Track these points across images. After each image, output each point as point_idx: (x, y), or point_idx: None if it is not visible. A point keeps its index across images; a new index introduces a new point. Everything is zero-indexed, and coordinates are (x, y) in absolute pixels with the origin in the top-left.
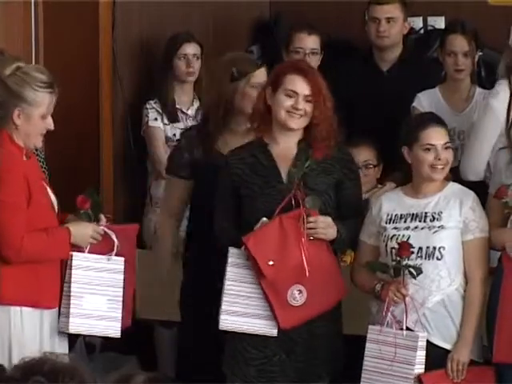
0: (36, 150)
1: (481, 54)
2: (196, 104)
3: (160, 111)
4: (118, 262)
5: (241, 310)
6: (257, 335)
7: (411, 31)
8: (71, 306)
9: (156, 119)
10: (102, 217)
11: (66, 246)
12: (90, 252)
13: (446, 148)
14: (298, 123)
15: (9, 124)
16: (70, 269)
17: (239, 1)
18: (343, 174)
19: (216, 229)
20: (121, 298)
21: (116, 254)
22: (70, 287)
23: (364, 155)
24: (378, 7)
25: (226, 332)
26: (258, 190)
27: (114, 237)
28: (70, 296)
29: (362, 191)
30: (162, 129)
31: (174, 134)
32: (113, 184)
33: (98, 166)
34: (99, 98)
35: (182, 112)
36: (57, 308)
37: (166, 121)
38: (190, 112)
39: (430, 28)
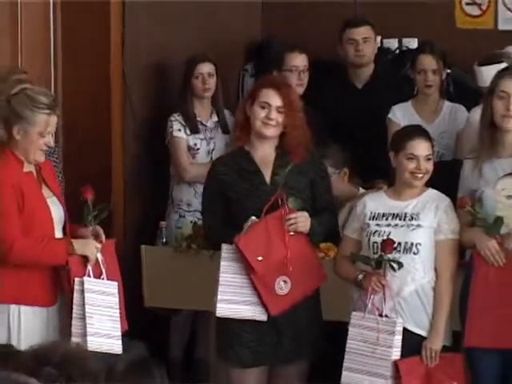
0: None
1: (449, 71)
2: (214, 117)
3: (183, 123)
4: (113, 286)
5: (235, 299)
6: (248, 321)
7: (388, 51)
8: (87, 326)
9: (180, 130)
10: (101, 232)
11: (62, 255)
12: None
13: (428, 159)
14: (271, 132)
15: (11, 139)
16: (82, 292)
17: (235, 26)
18: (316, 174)
19: (205, 227)
20: (118, 319)
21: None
22: (83, 309)
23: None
24: (355, 30)
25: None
26: (244, 192)
27: (101, 264)
28: (83, 318)
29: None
30: (184, 139)
31: (195, 144)
32: (123, 194)
33: (109, 177)
34: (111, 113)
35: (202, 124)
36: (54, 307)
37: (188, 132)
38: (209, 124)
39: (404, 48)
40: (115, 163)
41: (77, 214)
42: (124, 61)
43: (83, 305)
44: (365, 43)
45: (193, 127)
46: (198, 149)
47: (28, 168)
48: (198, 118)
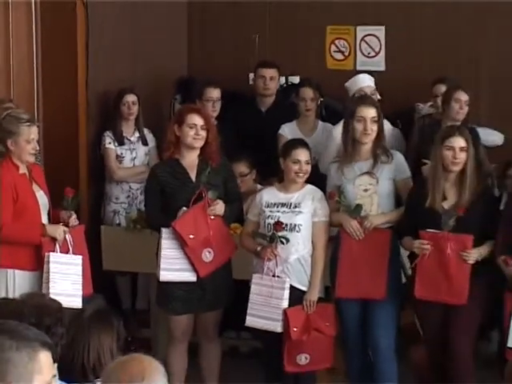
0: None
1: (322, 99)
2: (136, 133)
3: (113, 138)
4: (77, 259)
5: (173, 267)
6: (181, 282)
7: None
8: (50, 288)
9: (110, 143)
10: (74, 217)
11: (37, 237)
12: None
13: (307, 163)
14: (199, 143)
15: (8, 150)
16: (48, 263)
17: (168, 65)
18: (227, 174)
19: (148, 215)
20: (80, 282)
21: (71, 246)
22: (48, 276)
23: (240, 168)
24: (265, 70)
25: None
26: (177, 188)
27: (69, 243)
28: (48, 282)
29: (243, 191)
30: (113, 149)
31: (122, 153)
32: (87, 186)
33: (78, 175)
34: (78, 129)
35: (127, 138)
36: (38, 271)
37: (116, 144)
38: (132, 138)
39: (289, 83)
40: (81, 164)
41: (56, 199)
42: (87, 87)
43: (48, 272)
44: (271, 80)
45: (120, 141)
46: (123, 157)
47: (22, 170)
48: (124, 134)
